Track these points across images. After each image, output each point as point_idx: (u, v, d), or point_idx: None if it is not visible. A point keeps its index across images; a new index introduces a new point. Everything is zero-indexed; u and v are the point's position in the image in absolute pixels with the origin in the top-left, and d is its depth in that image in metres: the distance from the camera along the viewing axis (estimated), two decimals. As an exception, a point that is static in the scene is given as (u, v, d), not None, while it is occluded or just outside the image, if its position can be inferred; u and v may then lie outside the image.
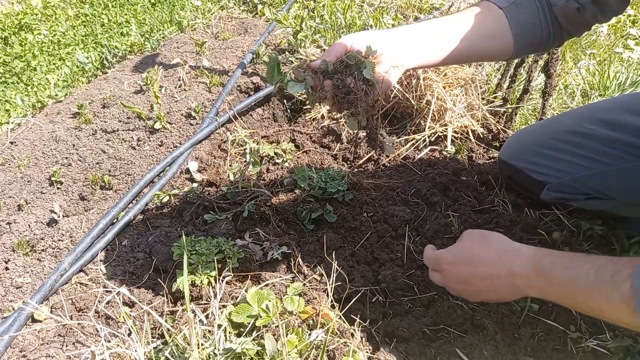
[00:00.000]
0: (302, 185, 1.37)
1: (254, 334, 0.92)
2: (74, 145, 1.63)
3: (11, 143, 1.70)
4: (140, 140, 1.65)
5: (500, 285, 0.85)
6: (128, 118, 1.73)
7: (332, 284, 1.01)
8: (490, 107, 1.70)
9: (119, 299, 1.11)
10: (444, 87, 1.69)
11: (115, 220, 1.35)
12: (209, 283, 1.09)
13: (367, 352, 0.96)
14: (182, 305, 1.08)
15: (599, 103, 1.23)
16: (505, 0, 1.01)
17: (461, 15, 1.02)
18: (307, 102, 1.05)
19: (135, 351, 0.87)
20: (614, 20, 2.68)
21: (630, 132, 1.06)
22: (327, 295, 1.04)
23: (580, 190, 1.16)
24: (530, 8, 1.00)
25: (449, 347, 0.98)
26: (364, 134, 1.06)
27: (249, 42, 2.23)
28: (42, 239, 1.32)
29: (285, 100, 1.88)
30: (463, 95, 1.69)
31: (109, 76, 2.08)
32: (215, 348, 0.88)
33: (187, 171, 1.54)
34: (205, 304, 1.05)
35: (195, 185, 1.47)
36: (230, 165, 1.53)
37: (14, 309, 1.13)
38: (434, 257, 0.98)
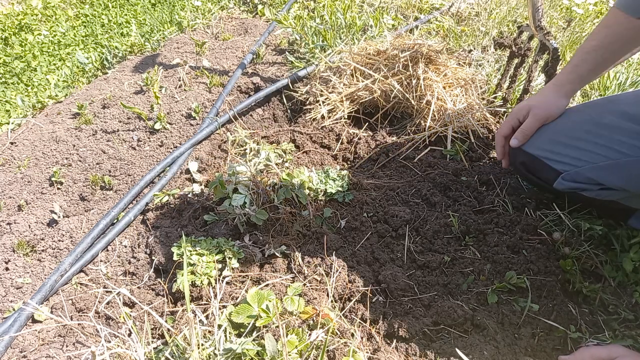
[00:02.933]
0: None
1: (254, 334, 0.92)
2: (74, 146, 1.64)
3: (11, 143, 1.71)
4: (141, 141, 1.65)
5: None
6: (128, 118, 1.73)
7: (332, 284, 1.01)
8: (491, 107, 1.70)
9: (119, 299, 1.11)
10: (444, 87, 1.69)
11: (116, 220, 1.35)
12: (209, 283, 1.09)
13: (367, 352, 0.96)
14: (182, 305, 1.08)
15: (620, 96, 1.26)
16: (636, 9, 1.05)
17: (599, 42, 1.13)
18: None
19: (136, 351, 0.87)
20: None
21: None
22: (327, 295, 1.04)
23: (595, 180, 1.16)
24: None
25: (450, 347, 0.98)
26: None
27: (249, 43, 2.23)
28: (43, 239, 1.32)
29: (285, 101, 1.88)
30: (463, 95, 1.69)
31: (109, 76, 2.08)
32: (215, 348, 0.88)
33: (188, 171, 1.54)
34: (205, 304, 1.05)
35: (195, 185, 1.47)
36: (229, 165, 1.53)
37: (14, 310, 1.13)
38: None
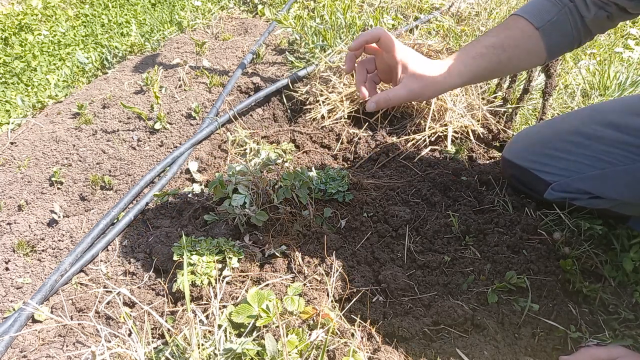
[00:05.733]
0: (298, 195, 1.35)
1: (255, 334, 0.92)
2: (74, 146, 1.64)
3: (11, 143, 1.71)
4: (141, 141, 1.65)
5: None
6: (128, 118, 1.73)
7: (332, 284, 1.01)
8: (491, 107, 1.70)
9: (119, 299, 1.11)
10: (444, 87, 1.69)
11: (116, 220, 1.35)
12: (209, 283, 1.09)
13: (367, 352, 0.96)
14: (182, 305, 1.08)
15: (606, 104, 1.24)
16: (540, 19, 1.01)
17: (500, 40, 1.02)
18: None
19: (136, 351, 0.87)
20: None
21: (638, 134, 1.07)
22: (328, 295, 1.05)
23: (584, 189, 1.17)
24: (565, 25, 1.02)
25: (450, 347, 0.98)
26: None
27: (249, 43, 2.23)
28: (43, 239, 1.32)
29: (285, 101, 1.88)
30: (463, 95, 1.69)
31: (109, 76, 2.08)
32: (215, 348, 0.88)
33: (188, 171, 1.54)
34: (205, 304, 1.05)
35: (195, 185, 1.47)
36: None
37: (14, 310, 1.13)
38: None
